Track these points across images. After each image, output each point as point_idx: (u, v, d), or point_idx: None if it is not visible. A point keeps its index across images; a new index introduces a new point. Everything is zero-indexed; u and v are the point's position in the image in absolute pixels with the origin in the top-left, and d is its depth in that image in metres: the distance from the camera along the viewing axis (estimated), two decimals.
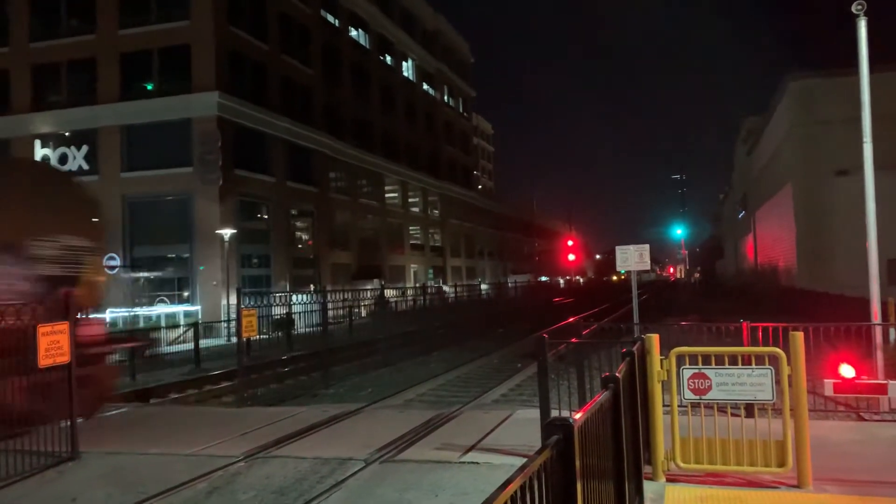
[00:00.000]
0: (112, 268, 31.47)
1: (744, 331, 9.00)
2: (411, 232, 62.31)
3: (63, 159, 37.39)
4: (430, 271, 65.29)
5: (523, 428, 8.86)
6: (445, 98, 75.06)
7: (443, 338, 25.79)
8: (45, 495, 7.24)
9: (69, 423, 8.53)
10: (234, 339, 20.59)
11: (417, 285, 52.91)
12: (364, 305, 29.41)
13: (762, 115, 48.80)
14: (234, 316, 14.61)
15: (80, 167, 37.04)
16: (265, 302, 17.65)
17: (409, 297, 33.30)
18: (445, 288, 51.42)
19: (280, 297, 18.99)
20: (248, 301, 13.97)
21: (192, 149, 34.83)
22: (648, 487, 6.13)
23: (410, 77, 65.49)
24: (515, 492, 2.25)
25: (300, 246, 43.80)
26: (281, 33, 41.86)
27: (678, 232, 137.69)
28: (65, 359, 8.35)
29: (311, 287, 39.20)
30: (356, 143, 50.52)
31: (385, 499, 6.59)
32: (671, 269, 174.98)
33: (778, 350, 6.34)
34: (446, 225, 70.09)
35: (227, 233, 32.71)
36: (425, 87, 69.18)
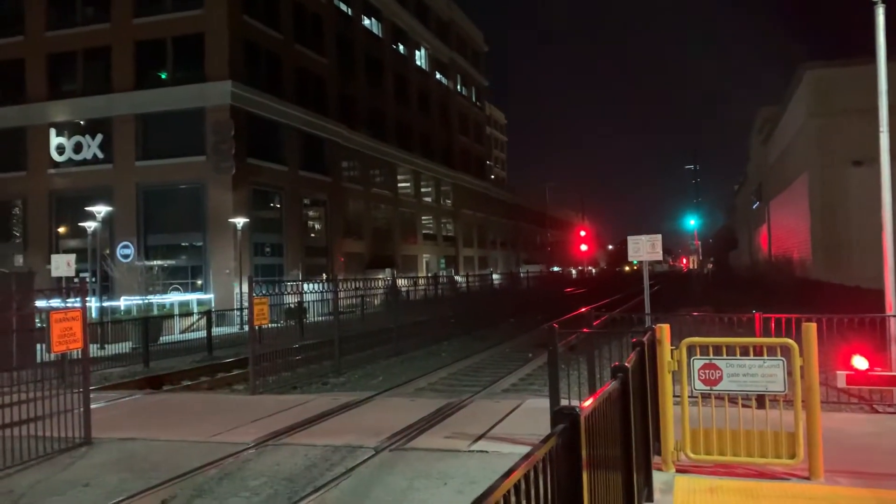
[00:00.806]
0: (126, 256, 31.72)
1: (756, 322, 8.95)
2: (424, 222, 62.31)
3: (78, 148, 37.61)
4: (443, 261, 65.32)
5: (533, 417, 8.85)
6: (459, 88, 74.85)
7: (454, 327, 25.80)
8: (58, 480, 7.31)
9: (83, 408, 8.61)
10: (246, 328, 20.69)
11: (429, 275, 52.95)
12: (376, 294, 29.46)
13: (778, 104, 48.37)
14: (246, 304, 14.70)
15: (94, 155, 37.26)
16: (277, 290, 17.72)
17: (421, 287, 33.33)
18: (457, 278, 51.41)
19: (292, 285, 19.05)
20: (260, 290, 14.02)
21: (205, 138, 34.93)
22: (658, 478, 6.12)
23: (424, 66, 65.34)
24: (519, 480, 2.24)
25: (313, 235, 43.91)
26: (294, 22, 41.83)
27: (691, 222, 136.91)
28: (78, 345, 8.42)
29: (324, 276, 39.33)
30: (369, 133, 50.52)
31: (394, 487, 6.61)
32: (684, 260, 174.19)
33: (790, 341, 6.30)
34: (459, 215, 70.03)
35: (240, 221, 32.83)
36: (438, 76, 69.01)
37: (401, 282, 28.26)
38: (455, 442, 7.95)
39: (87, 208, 29.77)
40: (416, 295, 31.29)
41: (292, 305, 18.81)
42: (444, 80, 70.41)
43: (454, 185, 69.05)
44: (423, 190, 62.10)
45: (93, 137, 37.42)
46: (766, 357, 6.30)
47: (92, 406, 8.95)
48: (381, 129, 53.25)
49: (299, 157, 41.00)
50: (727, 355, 6.41)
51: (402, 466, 7.18)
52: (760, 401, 6.40)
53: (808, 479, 6.14)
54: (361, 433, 8.53)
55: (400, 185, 57.14)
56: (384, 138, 53.28)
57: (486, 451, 7.51)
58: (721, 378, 6.34)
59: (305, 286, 19.03)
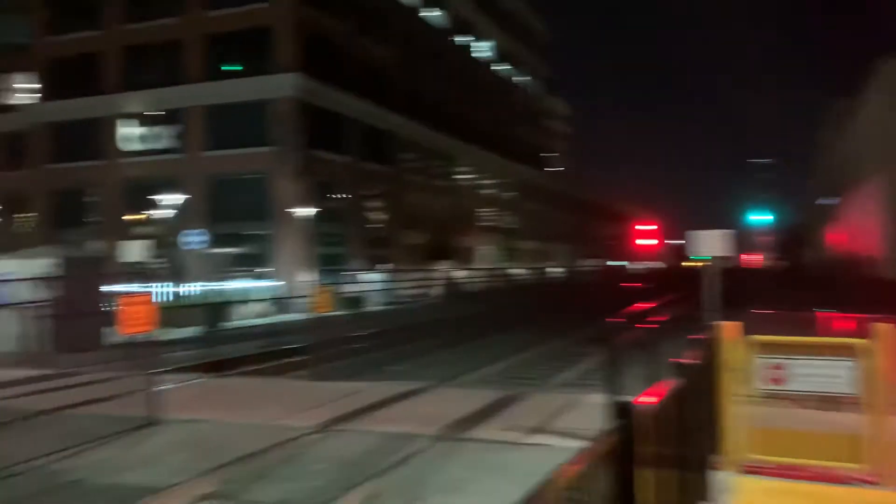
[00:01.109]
0: (195, 243, 32.62)
1: (825, 321, 8.68)
2: (484, 213, 62.24)
3: (150, 138, 38.88)
4: (502, 253, 65.16)
5: (591, 412, 8.76)
6: (521, 79, 74.39)
7: (512, 320, 25.75)
8: (126, 458, 7.59)
9: (150, 390, 8.92)
10: (309, 315, 21.09)
11: (488, 267, 52.89)
12: (435, 285, 29.62)
13: (852, 99, 46.64)
14: (309, 292, 14.99)
15: (165, 146, 38.47)
16: (339, 280, 17.99)
17: (480, 279, 33.35)
18: (516, 270, 51.25)
19: (353, 275, 19.31)
20: (323, 279, 14.28)
21: (271, 129, 35.65)
22: (718, 478, 6.01)
23: (486, 57, 65.15)
24: (575, 474, 2.24)
25: (374, 225, 44.36)
26: (358, 14, 42.22)
27: (760, 218, 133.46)
28: (147, 328, 8.71)
29: (384, 266, 39.73)
30: (430, 124, 50.66)
31: (451, 476, 6.65)
32: (751, 256, 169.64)
33: (860, 341, 6.08)
34: (519, 207, 69.70)
35: (305, 211, 33.39)
36: (501, 67, 68.70)
37: (459, 273, 28.41)
38: (512, 434, 7.95)
39: (157, 196, 30.75)
40: (475, 287, 31.32)
41: (353, 294, 19.07)
42: (506, 71, 70.07)
43: (515, 177, 68.74)
44: (483, 182, 62.02)
45: (164, 128, 38.62)
46: (834, 357, 6.11)
47: (159, 387, 9.25)
48: (442, 120, 53.33)
49: (361, 149, 41.44)
50: (794, 355, 6.24)
51: (458, 456, 7.22)
52: (827, 402, 6.21)
53: (876, 484, 5.93)
54: (419, 422, 8.60)
55: (460, 176, 57.20)
56: (445, 130, 53.36)
57: (543, 445, 7.49)
58: (786, 378, 6.18)
59: (366, 276, 19.26)
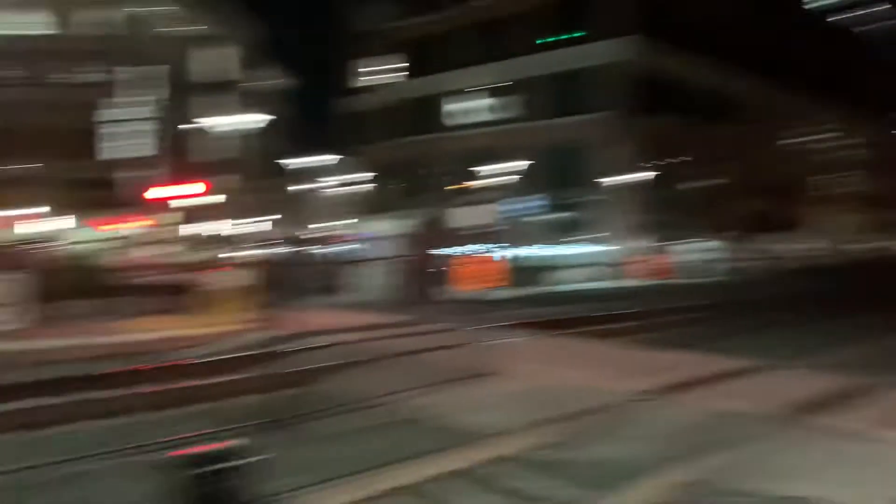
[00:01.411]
0: (534, 209, 34.15)
1: None
2: (836, 180, 55.65)
3: (494, 109, 41.41)
4: (854, 225, 57.60)
5: None
6: (884, 23, 64.51)
7: (863, 300, 22.77)
8: (459, 403, 8.33)
9: (486, 342, 9.65)
10: (637, 282, 20.99)
11: (836, 240, 47.56)
12: (773, 258, 27.43)
13: None
14: (640, 259, 14.89)
15: (503, 117, 40.69)
16: (669, 248, 17.56)
17: (825, 253, 30.09)
18: (872, 245, 45.32)
19: (685, 244, 18.70)
20: (653, 246, 14.08)
21: (603, 95, 35.70)
22: None
23: (839, 3, 57.60)
24: None
25: (710, 192, 42.12)
26: None
27: None
28: (484, 285, 9.43)
29: (720, 235, 37.74)
30: (774, 82, 46.48)
31: (793, 462, 6.17)
32: None
33: None
34: (881, 172, 60.96)
35: (636, 177, 32.99)
36: (859, 12, 60.24)
37: (801, 245, 26.00)
38: (862, 425, 7.11)
39: (495, 164, 32.62)
40: (819, 261, 28.39)
41: (683, 264, 18.51)
42: (863, 18, 61.30)
43: (875, 138, 60.24)
44: (838, 144, 55.41)
45: (506, 99, 40.80)
46: None
47: (491, 342, 9.94)
48: (787, 77, 48.48)
49: (696, 111, 39.62)
50: None
51: (791, 444, 6.66)
52: None
53: None
54: (752, 401, 8.09)
55: (808, 137, 51.75)
56: (790, 87, 48.47)
57: None
58: None
59: (698, 245, 18.53)
